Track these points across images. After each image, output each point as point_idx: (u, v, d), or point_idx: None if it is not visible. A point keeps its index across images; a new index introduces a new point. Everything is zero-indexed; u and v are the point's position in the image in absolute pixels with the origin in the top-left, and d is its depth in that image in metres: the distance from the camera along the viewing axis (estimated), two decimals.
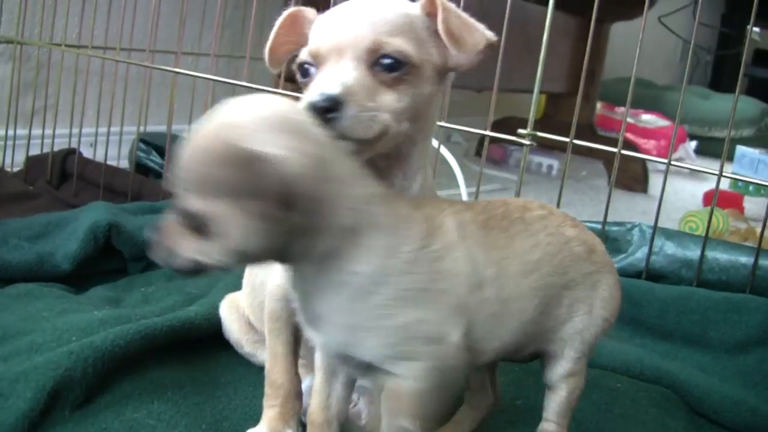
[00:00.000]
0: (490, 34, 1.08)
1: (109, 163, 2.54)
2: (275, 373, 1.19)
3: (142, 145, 2.69)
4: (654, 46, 1.79)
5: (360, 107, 0.98)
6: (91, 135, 2.68)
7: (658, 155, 4.77)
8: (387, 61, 1.02)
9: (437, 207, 1.04)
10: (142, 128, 2.60)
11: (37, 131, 2.72)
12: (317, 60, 1.04)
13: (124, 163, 2.82)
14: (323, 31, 1.06)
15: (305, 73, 1.07)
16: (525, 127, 1.94)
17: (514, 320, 1.05)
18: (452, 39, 1.04)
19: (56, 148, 2.65)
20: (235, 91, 2.51)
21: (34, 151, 2.74)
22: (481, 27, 1.08)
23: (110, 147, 2.56)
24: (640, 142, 4.89)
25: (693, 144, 5.28)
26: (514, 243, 1.05)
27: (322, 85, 0.99)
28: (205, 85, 2.47)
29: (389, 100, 1.02)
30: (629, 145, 1.85)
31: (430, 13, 1.07)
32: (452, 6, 1.07)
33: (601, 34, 3.88)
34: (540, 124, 2.01)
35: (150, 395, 1.26)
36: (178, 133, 2.73)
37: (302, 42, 1.12)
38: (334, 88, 0.97)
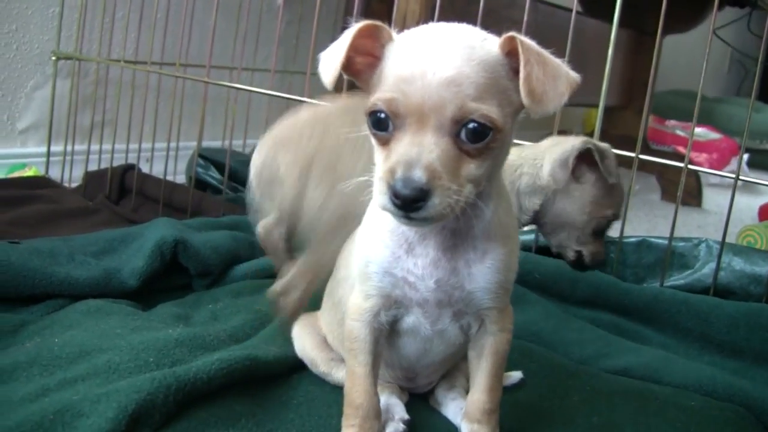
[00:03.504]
0: (574, 77, 1.02)
1: (166, 178, 2.56)
2: (354, 393, 1.18)
3: (201, 161, 2.69)
4: (702, 57, 1.77)
5: (445, 192, 0.94)
6: (148, 150, 2.69)
7: (710, 168, 4.72)
8: (471, 126, 0.97)
9: None
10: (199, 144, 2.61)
11: (94, 146, 2.75)
12: (395, 117, 0.98)
13: (181, 178, 2.84)
14: (402, 81, 0.98)
15: (380, 125, 1.01)
16: None
17: None
18: (535, 99, 0.98)
19: (113, 164, 2.67)
20: (290, 105, 2.52)
21: (92, 166, 2.77)
22: (563, 71, 1.02)
23: (167, 162, 2.58)
24: (693, 155, 4.84)
25: (745, 156, 5.22)
26: None
27: (405, 167, 0.94)
28: (259, 100, 2.47)
29: (471, 169, 0.99)
30: (683, 158, 1.87)
31: (510, 52, 1.00)
32: (534, 51, 0.99)
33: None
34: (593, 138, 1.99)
35: (225, 422, 1.24)
36: (236, 148, 2.75)
37: (369, 55, 1.06)
38: (419, 175, 0.93)
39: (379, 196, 0.97)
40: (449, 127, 0.96)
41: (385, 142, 1.01)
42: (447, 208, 0.95)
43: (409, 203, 0.94)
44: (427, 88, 0.96)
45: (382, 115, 1.00)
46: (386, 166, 0.97)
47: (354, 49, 1.05)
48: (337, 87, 2.35)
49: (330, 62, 1.05)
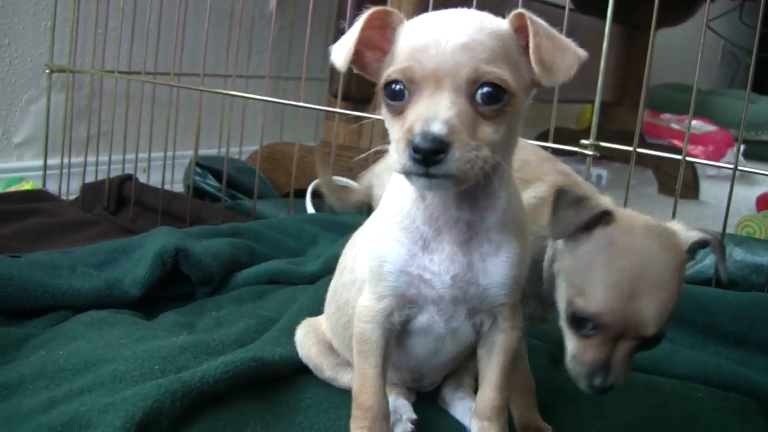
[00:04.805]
0: (582, 53, 1.04)
1: (164, 187, 2.56)
2: (364, 395, 1.17)
3: (198, 169, 2.69)
4: (694, 50, 1.78)
5: (464, 147, 0.94)
6: (144, 160, 2.69)
7: (707, 160, 4.72)
8: (486, 90, 0.97)
9: None
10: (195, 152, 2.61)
11: (91, 158, 2.75)
12: (411, 84, 0.99)
13: (178, 187, 2.83)
14: (416, 51, 0.99)
15: (395, 95, 1.02)
16: (573, 138, 1.93)
17: None
18: (544, 67, 1.00)
19: (111, 175, 2.66)
20: (285, 111, 2.51)
21: (89, 178, 2.77)
22: (572, 45, 1.04)
23: (164, 172, 2.57)
24: (689, 148, 4.83)
25: (741, 148, 5.21)
26: None
27: (423, 122, 0.94)
28: (254, 106, 2.47)
29: (488, 133, 0.98)
30: (679, 151, 1.88)
31: (519, 28, 1.03)
32: (542, 25, 1.02)
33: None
34: (588, 134, 1.99)
35: (234, 426, 1.25)
36: (232, 155, 2.75)
37: (378, 49, 1.08)
38: (438, 128, 0.93)
39: (397, 158, 0.97)
40: (465, 88, 0.97)
41: (400, 112, 1.01)
42: (467, 164, 0.95)
43: (429, 156, 0.93)
44: (441, 54, 0.97)
45: (397, 86, 1.01)
46: (404, 127, 0.97)
47: (363, 42, 1.06)
48: (334, 94, 2.35)
49: (344, 43, 1.06)
